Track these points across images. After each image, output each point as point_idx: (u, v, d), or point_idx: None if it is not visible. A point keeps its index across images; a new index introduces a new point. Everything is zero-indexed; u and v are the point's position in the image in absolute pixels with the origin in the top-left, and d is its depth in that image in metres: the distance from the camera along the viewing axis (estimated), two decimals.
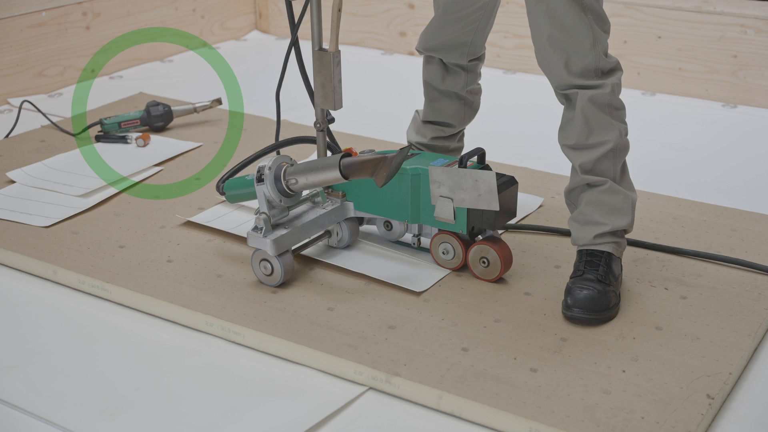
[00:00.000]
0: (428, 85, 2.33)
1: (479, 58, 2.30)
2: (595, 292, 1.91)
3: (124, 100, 3.28)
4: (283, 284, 2.07)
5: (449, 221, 2.05)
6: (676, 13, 3.38)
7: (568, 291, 1.94)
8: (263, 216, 2.02)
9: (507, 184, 2.06)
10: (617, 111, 1.99)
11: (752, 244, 2.24)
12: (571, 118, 2.00)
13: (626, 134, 2.01)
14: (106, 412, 1.73)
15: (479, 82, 2.35)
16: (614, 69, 1.98)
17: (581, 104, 1.96)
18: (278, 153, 2.27)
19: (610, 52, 1.99)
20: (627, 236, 2.24)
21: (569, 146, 2.02)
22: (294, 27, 2.12)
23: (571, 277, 1.98)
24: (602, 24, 1.95)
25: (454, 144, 2.39)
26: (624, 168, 2.03)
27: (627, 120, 2.02)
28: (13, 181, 2.59)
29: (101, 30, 3.61)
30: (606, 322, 1.93)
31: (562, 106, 2.04)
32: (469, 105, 2.34)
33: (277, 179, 2.04)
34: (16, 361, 1.88)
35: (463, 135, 2.41)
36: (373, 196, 2.14)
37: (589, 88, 1.96)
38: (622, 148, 2.00)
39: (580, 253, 2.02)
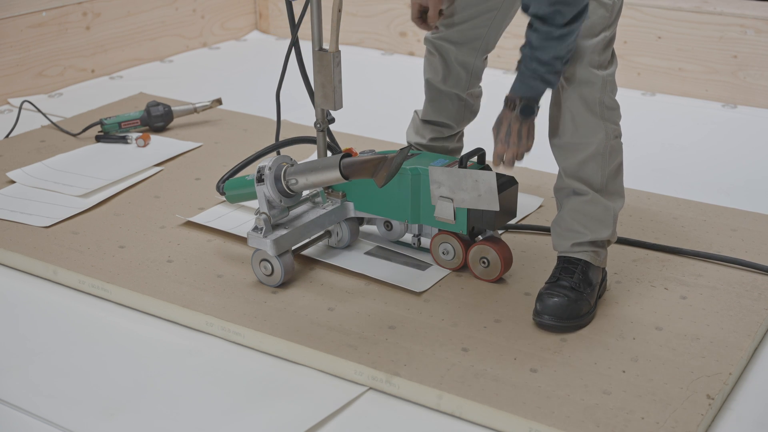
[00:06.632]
0: (429, 84, 2.32)
1: (485, 60, 2.28)
2: (566, 299, 1.90)
3: (124, 100, 3.28)
4: (283, 284, 2.07)
5: (449, 221, 2.05)
6: (676, 13, 3.38)
7: (539, 297, 1.93)
8: (263, 216, 2.02)
9: (507, 184, 2.06)
10: (609, 110, 1.93)
11: (752, 244, 2.24)
12: (558, 114, 1.95)
13: (616, 136, 1.95)
14: (106, 412, 1.73)
15: (480, 85, 2.33)
16: (611, 62, 1.94)
17: (570, 101, 1.91)
18: (278, 153, 2.27)
19: None
20: (627, 236, 2.24)
21: (556, 144, 1.97)
22: (294, 27, 2.12)
23: (545, 283, 1.97)
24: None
25: (453, 144, 2.38)
26: (617, 171, 1.97)
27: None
28: (13, 181, 2.59)
29: (101, 30, 3.61)
30: (578, 329, 1.91)
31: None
32: (469, 108, 2.33)
33: (277, 179, 2.04)
34: (16, 361, 1.88)
35: (462, 135, 2.41)
36: (373, 196, 2.14)
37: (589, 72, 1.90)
38: (612, 150, 1.94)
39: (558, 259, 2.01)
